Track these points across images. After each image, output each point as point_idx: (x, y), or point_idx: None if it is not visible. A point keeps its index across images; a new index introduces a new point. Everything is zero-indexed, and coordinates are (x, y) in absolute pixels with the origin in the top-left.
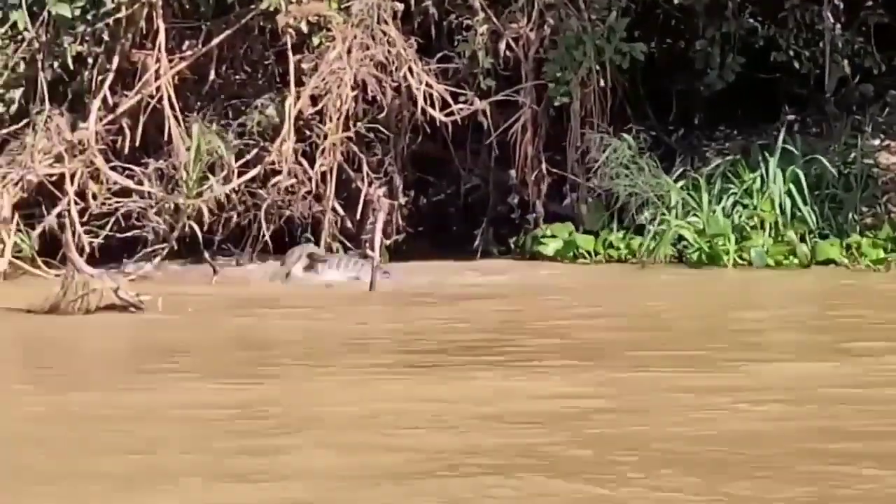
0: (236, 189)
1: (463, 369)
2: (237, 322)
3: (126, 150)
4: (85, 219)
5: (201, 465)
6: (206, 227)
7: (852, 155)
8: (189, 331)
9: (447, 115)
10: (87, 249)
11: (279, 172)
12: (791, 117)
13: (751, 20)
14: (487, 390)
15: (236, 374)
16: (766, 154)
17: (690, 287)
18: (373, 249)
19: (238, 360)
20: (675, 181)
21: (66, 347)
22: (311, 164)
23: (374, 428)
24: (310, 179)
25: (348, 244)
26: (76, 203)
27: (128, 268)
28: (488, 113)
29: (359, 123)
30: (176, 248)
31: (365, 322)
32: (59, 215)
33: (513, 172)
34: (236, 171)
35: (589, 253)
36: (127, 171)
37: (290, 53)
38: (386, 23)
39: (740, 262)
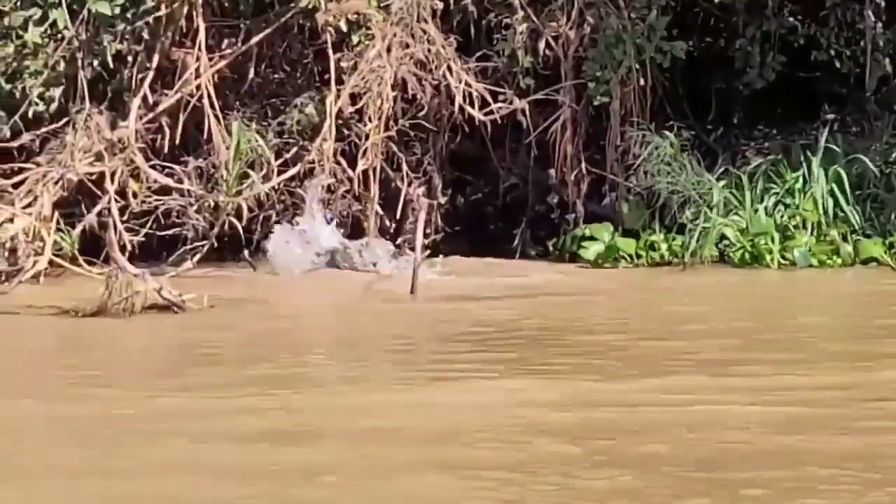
0: (275, 187)
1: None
2: (287, 323)
3: (165, 149)
4: (125, 217)
5: None
6: (244, 225)
7: (894, 154)
8: (232, 331)
9: (486, 114)
10: (129, 248)
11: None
12: (830, 116)
13: (791, 19)
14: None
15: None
16: (808, 153)
17: (752, 289)
18: (413, 250)
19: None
20: (717, 180)
21: (115, 351)
22: (350, 164)
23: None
24: (349, 179)
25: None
26: (116, 201)
27: (168, 267)
28: (527, 112)
29: (400, 122)
30: (216, 246)
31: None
32: (100, 214)
33: (552, 172)
34: (276, 170)
35: (630, 256)
36: (166, 170)
37: (329, 52)
38: (425, 21)
39: (782, 261)
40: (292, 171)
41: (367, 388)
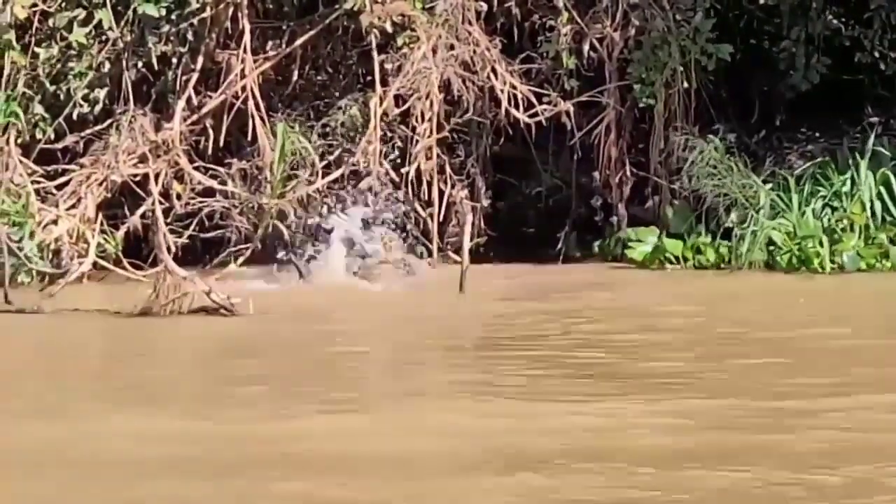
0: (320, 189)
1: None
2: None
3: (209, 151)
4: (168, 219)
5: None
6: (291, 227)
7: None
8: (281, 336)
9: (530, 116)
10: (173, 250)
11: (360, 173)
12: (874, 119)
13: (835, 20)
14: None
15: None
16: (856, 156)
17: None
18: (459, 253)
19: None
20: (763, 183)
21: (161, 355)
22: (393, 167)
23: None
24: (392, 182)
25: (431, 246)
26: (160, 203)
27: (212, 269)
28: (571, 114)
29: (452, 121)
30: (260, 248)
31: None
32: (143, 216)
33: (596, 174)
34: (320, 172)
35: (677, 258)
36: (210, 172)
37: (374, 53)
38: (470, 23)
39: (831, 265)
40: (337, 173)
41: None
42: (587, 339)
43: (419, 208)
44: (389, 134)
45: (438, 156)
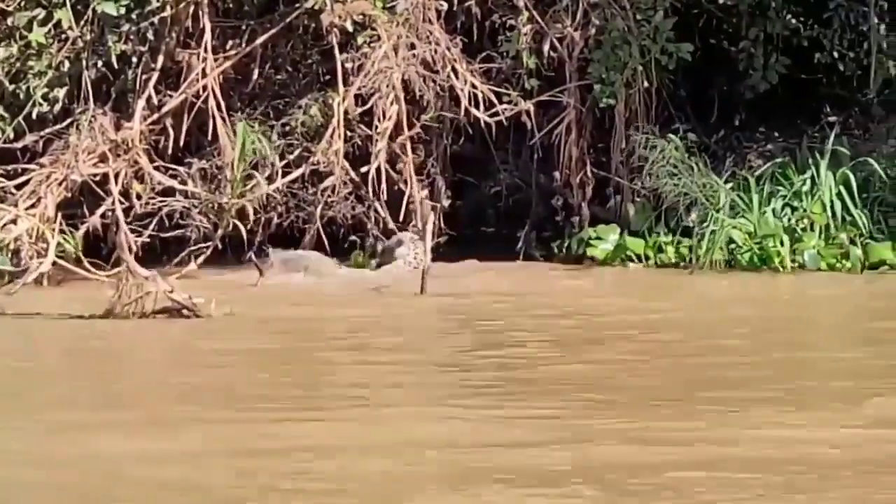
0: (279, 189)
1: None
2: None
3: (169, 150)
4: (128, 219)
5: None
6: (249, 227)
7: None
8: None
9: (491, 115)
10: (133, 249)
11: (321, 173)
12: (833, 119)
13: (794, 20)
14: None
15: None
16: (816, 156)
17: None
18: (423, 252)
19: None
20: (724, 182)
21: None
22: (353, 165)
23: None
24: (352, 181)
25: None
26: (120, 203)
27: (171, 269)
28: (532, 114)
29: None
30: (220, 247)
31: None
32: (103, 215)
33: (556, 174)
34: (280, 171)
35: (638, 257)
36: (170, 171)
37: (336, 52)
38: (430, 22)
39: (791, 264)
40: (297, 173)
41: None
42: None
43: (379, 208)
44: (350, 133)
45: (399, 155)
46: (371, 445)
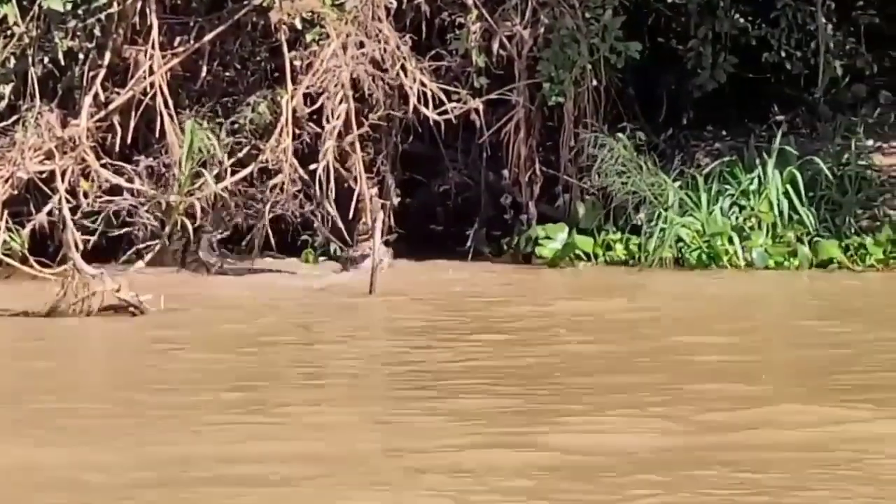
0: (228, 188)
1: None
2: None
3: (117, 148)
4: (75, 217)
5: None
6: (196, 225)
7: (846, 156)
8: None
9: (440, 113)
10: (81, 247)
11: (269, 171)
12: (780, 118)
13: (742, 20)
14: None
15: None
16: (763, 155)
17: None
18: (372, 250)
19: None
20: (672, 181)
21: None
22: (302, 164)
23: None
24: (300, 179)
25: (339, 244)
26: (67, 201)
27: (119, 267)
28: (481, 112)
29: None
30: (168, 244)
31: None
32: (50, 213)
33: (505, 172)
34: (229, 170)
35: (587, 255)
36: (117, 169)
37: (284, 50)
38: (379, 20)
39: (740, 261)
40: (246, 172)
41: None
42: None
43: (328, 206)
44: (298, 132)
45: (348, 153)
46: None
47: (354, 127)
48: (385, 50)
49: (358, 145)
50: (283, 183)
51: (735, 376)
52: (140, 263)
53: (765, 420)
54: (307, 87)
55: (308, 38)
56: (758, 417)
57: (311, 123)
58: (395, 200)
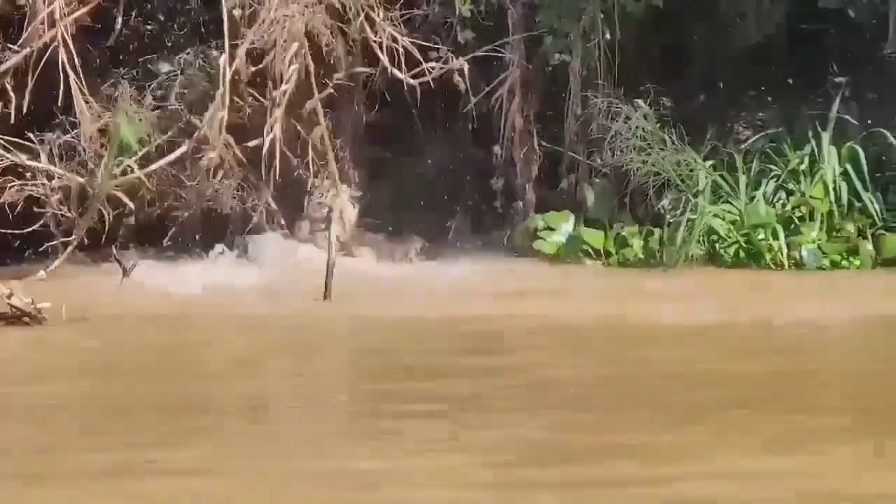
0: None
1: None
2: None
3: (11, 119)
4: None
5: None
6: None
7: None
8: (97, 353)
9: (415, 76)
10: None
11: (199, 150)
12: (839, 79)
13: None
14: None
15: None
16: (818, 126)
17: None
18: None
19: None
20: (704, 160)
21: None
22: (237, 141)
23: None
24: (238, 162)
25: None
26: None
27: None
28: (466, 73)
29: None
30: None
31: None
32: None
33: (496, 148)
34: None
35: (598, 252)
36: (16, 145)
37: None
38: None
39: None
40: (178, 153)
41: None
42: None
43: (270, 200)
44: (239, 101)
45: (296, 129)
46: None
47: (315, 91)
48: None
49: (322, 114)
50: (219, 166)
51: None
52: (45, 271)
53: None
54: (251, 44)
55: None
56: None
57: (251, 90)
58: (357, 192)
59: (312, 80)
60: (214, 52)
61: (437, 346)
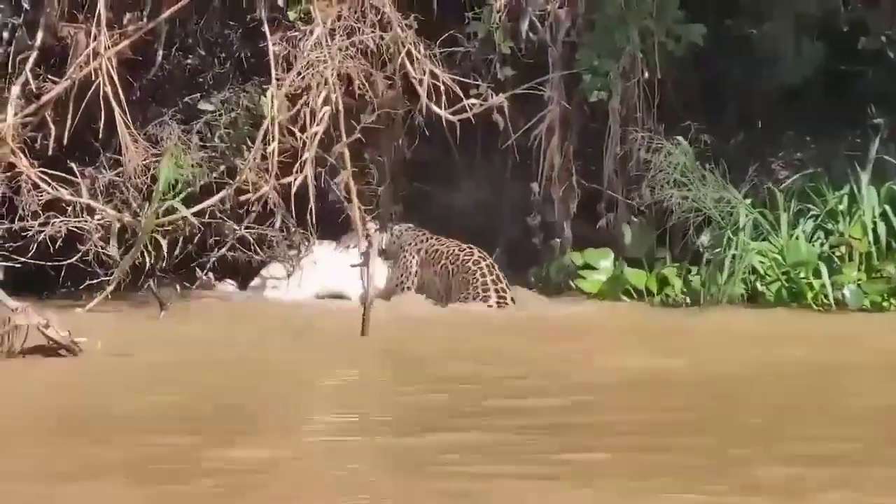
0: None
1: None
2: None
3: (49, 151)
4: None
5: None
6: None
7: None
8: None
9: (454, 112)
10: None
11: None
12: (878, 120)
13: None
14: None
15: None
16: (857, 166)
17: None
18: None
19: None
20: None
21: None
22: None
23: None
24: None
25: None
26: None
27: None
28: (505, 110)
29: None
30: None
31: None
32: None
33: (534, 185)
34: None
35: (639, 291)
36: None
37: (266, 30)
38: None
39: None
40: (221, 195)
41: None
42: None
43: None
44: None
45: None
46: None
47: (344, 135)
48: (384, 36)
49: (348, 157)
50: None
51: None
52: (94, 302)
53: None
54: (289, 85)
55: (291, 15)
56: None
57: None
58: (397, 228)
59: (341, 124)
60: (253, 91)
61: None
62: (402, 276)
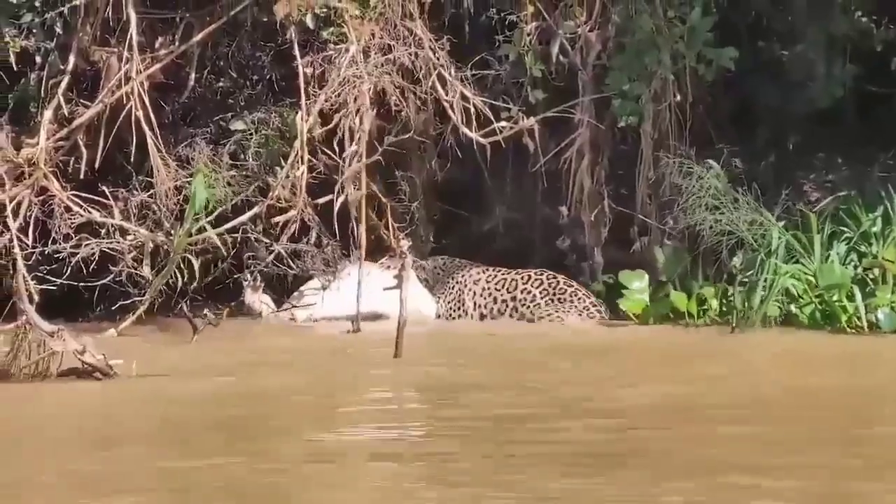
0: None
1: None
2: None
3: (81, 175)
4: (31, 260)
5: None
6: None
7: None
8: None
9: (485, 135)
10: (35, 298)
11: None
12: None
13: (864, 18)
14: None
15: None
16: (890, 188)
17: None
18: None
19: None
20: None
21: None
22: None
23: None
24: (316, 215)
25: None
26: (20, 240)
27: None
28: (536, 133)
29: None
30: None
31: None
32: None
33: (564, 209)
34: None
35: (682, 314)
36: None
37: (296, 53)
38: (411, 17)
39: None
40: (252, 213)
41: None
42: None
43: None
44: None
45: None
46: None
47: (364, 155)
48: (417, 55)
49: (364, 178)
50: (290, 222)
51: None
52: (125, 323)
53: None
54: (323, 104)
55: (324, 35)
56: None
57: (323, 148)
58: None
59: (375, 141)
60: (286, 111)
61: None
62: (451, 304)
